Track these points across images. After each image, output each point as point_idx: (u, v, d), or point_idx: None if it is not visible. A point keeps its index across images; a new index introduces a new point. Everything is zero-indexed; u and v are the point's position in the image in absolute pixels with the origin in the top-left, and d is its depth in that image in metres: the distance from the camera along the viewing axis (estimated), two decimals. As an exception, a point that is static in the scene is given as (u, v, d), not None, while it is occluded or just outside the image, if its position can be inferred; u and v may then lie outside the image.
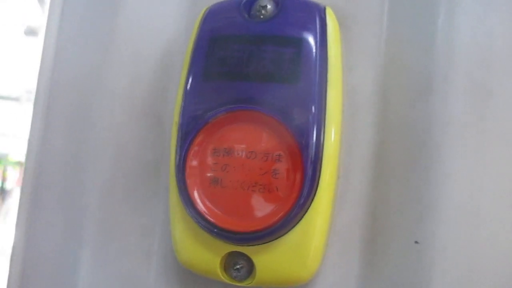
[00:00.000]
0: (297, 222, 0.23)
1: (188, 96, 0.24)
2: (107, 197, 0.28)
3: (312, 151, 0.23)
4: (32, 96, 0.30)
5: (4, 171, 2.66)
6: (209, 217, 0.23)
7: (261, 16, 0.25)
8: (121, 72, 0.29)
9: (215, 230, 0.23)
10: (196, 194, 0.24)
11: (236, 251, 0.24)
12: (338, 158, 0.24)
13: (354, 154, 0.25)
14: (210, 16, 0.26)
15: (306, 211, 0.23)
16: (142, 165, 0.28)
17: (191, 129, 0.24)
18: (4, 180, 2.63)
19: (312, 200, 0.23)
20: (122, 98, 0.29)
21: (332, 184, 0.24)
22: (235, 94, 0.24)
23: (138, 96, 0.29)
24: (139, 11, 0.29)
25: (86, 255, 0.28)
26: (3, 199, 2.54)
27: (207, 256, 0.24)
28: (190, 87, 0.25)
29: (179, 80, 0.26)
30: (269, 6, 0.25)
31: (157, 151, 0.28)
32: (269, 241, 0.23)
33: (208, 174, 0.24)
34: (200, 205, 0.23)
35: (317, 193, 0.23)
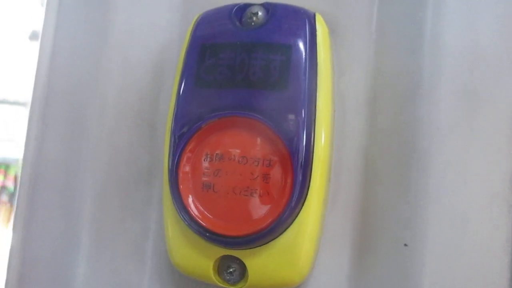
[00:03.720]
0: (289, 226, 0.23)
1: (181, 102, 0.25)
2: (102, 202, 0.28)
3: (302, 156, 0.23)
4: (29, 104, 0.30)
5: (15, 176, 2.66)
6: (201, 222, 0.24)
7: (252, 23, 0.25)
8: (114, 79, 0.29)
9: (208, 234, 0.23)
10: (189, 199, 0.24)
11: (228, 255, 0.24)
12: (329, 162, 0.25)
13: (345, 157, 0.26)
14: (202, 23, 0.26)
15: (297, 215, 0.23)
16: (136, 171, 0.29)
17: (184, 135, 0.24)
18: (15, 185, 2.64)
19: (303, 203, 0.23)
20: (116, 105, 0.29)
21: (323, 187, 0.24)
22: (227, 100, 0.24)
23: (131, 102, 0.29)
24: (133, 18, 0.29)
25: (82, 259, 0.28)
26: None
27: (200, 259, 0.25)
28: (182, 94, 0.25)
29: (171, 87, 0.26)
30: (260, 13, 0.25)
31: (150, 157, 0.29)
32: (261, 245, 0.24)
33: (201, 179, 0.24)
34: (193, 210, 0.24)
35: (307, 196, 0.23)
